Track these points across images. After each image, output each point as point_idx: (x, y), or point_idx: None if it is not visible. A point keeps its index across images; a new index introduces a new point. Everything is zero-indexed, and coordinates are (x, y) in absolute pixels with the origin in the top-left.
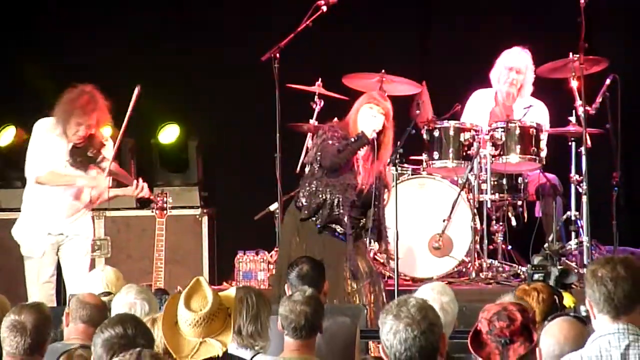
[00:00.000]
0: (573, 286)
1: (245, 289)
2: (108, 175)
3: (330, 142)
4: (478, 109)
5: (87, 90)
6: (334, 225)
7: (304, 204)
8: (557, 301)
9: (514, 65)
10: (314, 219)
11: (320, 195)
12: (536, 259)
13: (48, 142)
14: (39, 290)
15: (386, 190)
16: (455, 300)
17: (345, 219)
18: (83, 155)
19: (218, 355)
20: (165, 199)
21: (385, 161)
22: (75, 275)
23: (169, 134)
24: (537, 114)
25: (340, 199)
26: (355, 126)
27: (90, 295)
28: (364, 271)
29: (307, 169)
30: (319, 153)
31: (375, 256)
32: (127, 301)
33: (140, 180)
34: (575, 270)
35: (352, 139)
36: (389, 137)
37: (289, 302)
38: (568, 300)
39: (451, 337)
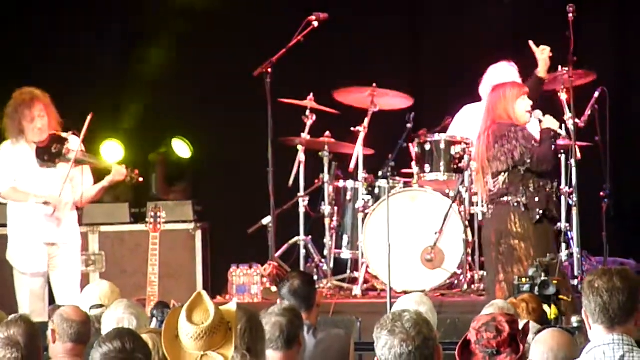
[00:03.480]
0: (563, 298)
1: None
2: (76, 165)
3: (530, 145)
4: (467, 123)
5: (22, 90)
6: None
7: (536, 201)
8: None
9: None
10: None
11: (547, 187)
12: (530, 271)
13: (9, 158)
14: (32, 304)
15: None
16: (434, 309)
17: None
18: (48, 152)
19: None
20: (158, 213)
21: None
22: (68, 287)
23: (181, 148)
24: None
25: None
26: (519, 120)
27: (75, 311)
28: None
29: (503, 177)
30: (531, 157)
31: (368, 269)
32: (115, 316)
33: (114, 164)
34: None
35: (547, 137)
36: None
37: (266, 315)
38: (551, 312)
39: (446, 349)
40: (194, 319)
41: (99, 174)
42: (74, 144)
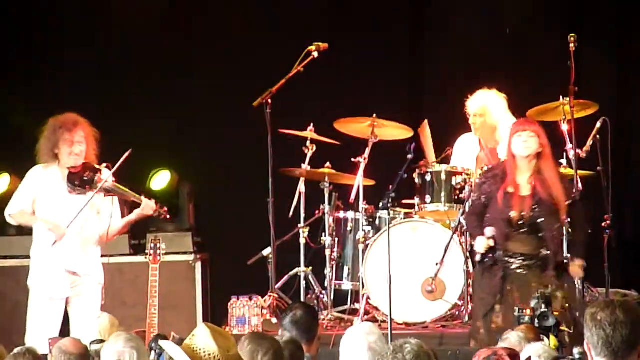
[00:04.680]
0: (563, 329)
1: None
2: (106, 194)
3: (474, 196)
4: (465, 153)
5: (65, 114)
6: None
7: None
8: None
9: (470, 110)
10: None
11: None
12: (532, 302)
13: (33, 182)
14: (40, 329)
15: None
16: (382, 338)
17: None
18: (79, 178)
19: None
20: (158, 244)
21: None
22: (84, 320)
23: (160, 180)
24: None
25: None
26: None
27: (73, 344)
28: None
29: None
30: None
31: (368, 300)
32: (115, 349)
33: (143, 197)
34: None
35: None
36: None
37: (243, 344)
38: (550, 343)
39: None
40: (219, 342)
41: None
42: (106, 175)
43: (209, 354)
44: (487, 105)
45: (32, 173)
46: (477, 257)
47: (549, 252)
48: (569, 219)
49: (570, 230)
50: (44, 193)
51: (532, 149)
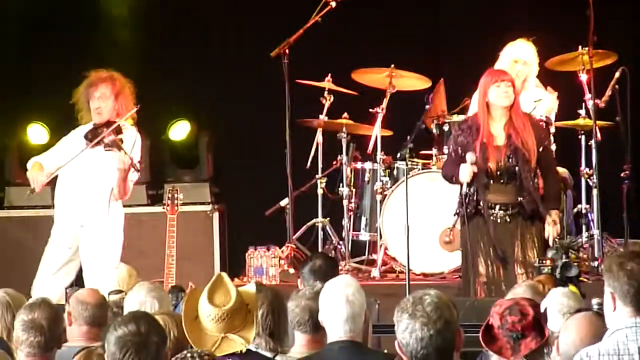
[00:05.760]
0: (584, 280)
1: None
2: (106, 148)
3: (450, 149)
4: None
5: (98, 70)
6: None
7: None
8: None
9: (519, 57)
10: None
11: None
12: (550, 253)
13: (64, 138)
14: (47, 281)
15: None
16: (361, 290)
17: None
18: (94, 134)
19: (241, 351)
20: (176, 195)
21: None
22: (89, 269)
23: (179, 130)
24: (546, 107)
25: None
26: (490, 108)
27: (90, 294)
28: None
29: None
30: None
31: (386, 251)
32: (137, 299)
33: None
34: (585, 264)
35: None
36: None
37: (297, 297)
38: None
39: (465, 331)
40: (215, 300)
41: None
42: (129, 134)
43: (207, 315)
44: (533, 57)
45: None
46: (459, 207)
47: (526, 199)
48: (538, 167)
49: (541, 177)
50: (66, 147)
51: (511, 99)
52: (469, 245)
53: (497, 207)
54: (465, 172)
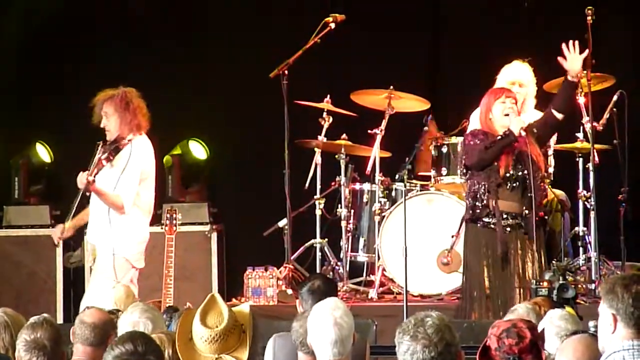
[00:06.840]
0: (580, 302)
1: None
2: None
3: (472, 142)
4: None
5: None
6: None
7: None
8: None
9: (516, 79)
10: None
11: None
12: (547, 275)
13: None
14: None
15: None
16: (349, 313)
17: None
18: (102, 152)
19: None
20: (174, 215)
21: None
22: (90, 290)
23: (199, 149)
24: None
25: (485, 186)
26: (494, 125)
27: (92, 314)
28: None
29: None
30: (464, 155)
31: (384, 272)
32: (131, 320)
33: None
34: (582, 286)
35: (500, 137)
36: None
37: (301, 318)
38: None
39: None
40: (207, 322)
41: None
42: (137, 146)
43: (200, 337)
44: (530, 78)
45: None
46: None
47: (530, 214)
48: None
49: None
50: None
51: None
52: (471, 252)
53: (503, 215)
54: (517, 124)
